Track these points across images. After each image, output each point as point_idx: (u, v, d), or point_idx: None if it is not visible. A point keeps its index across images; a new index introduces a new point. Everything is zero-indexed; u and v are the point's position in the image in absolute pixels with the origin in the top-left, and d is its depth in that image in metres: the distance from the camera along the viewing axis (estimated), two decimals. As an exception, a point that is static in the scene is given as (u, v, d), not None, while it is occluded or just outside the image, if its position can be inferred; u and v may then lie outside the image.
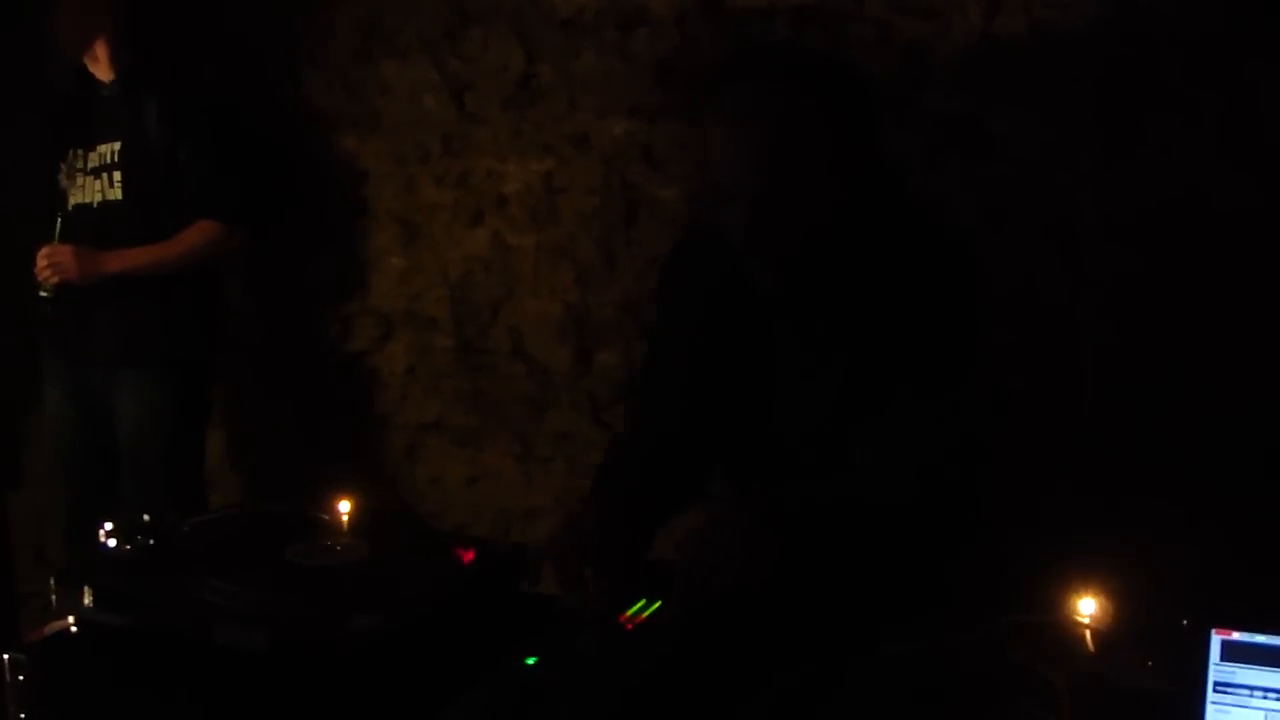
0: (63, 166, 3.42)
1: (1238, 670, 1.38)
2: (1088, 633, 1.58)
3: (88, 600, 1.70)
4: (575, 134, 3.43)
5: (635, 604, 1.69)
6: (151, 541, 1.81)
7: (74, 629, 1.71)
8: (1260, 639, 1.37)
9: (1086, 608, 1.60)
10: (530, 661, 1.54)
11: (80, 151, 3.41)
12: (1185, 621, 1.41)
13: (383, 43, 3.63)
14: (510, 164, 3.53)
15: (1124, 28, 2.82)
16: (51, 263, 3.32)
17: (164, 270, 3.38)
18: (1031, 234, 2.95)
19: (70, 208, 3.41)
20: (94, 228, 3.38)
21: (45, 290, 3.35)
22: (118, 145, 3.37)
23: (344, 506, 1.90)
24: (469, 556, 1.82)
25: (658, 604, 1.69)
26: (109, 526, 1.81)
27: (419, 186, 3.67)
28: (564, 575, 1.80)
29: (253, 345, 3.92)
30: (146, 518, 1.84)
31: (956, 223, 2.59)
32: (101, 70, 3.40)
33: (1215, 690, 1.38)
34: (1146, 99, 2.83)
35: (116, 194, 3.37)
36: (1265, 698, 1.36)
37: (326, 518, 1.91)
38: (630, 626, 1.64)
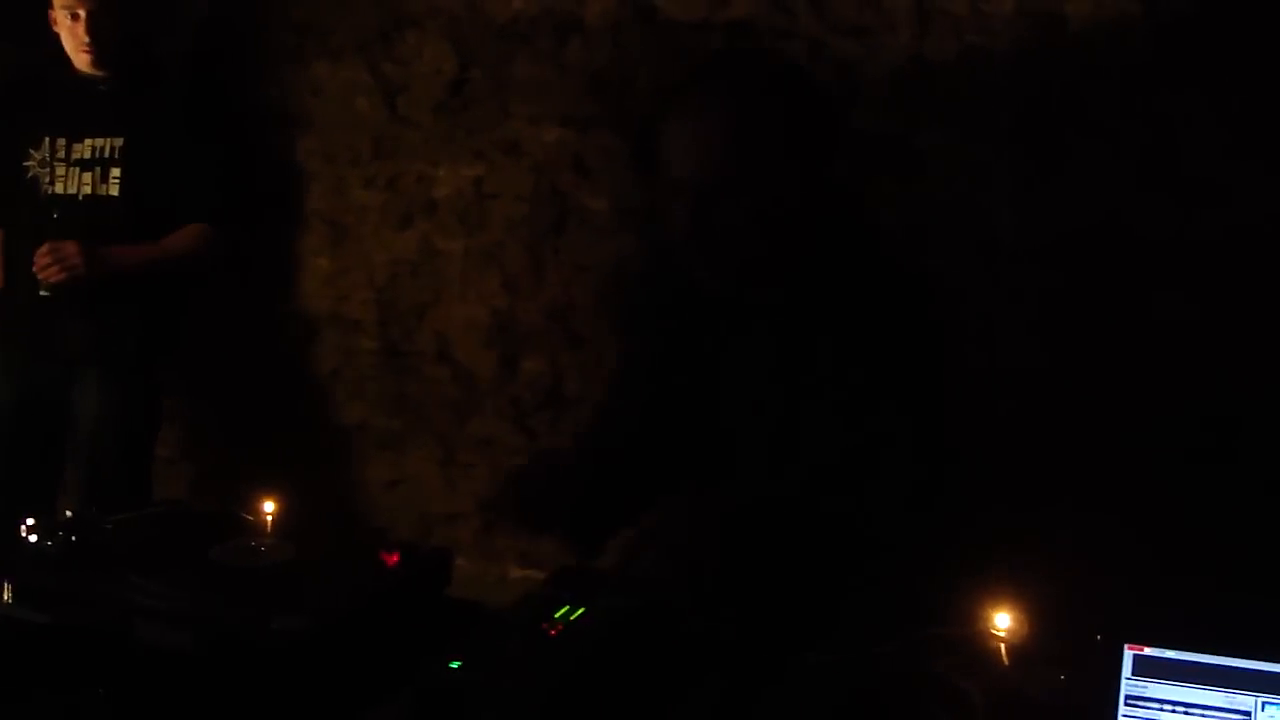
0: (34, 154, 3.31)
1: (1150, 685, 1.41)
2: (1003, 646, 1.61)
3: (7, 596, 1.68)
4: (507, 141, 3.44)
5: (560, 609, 1.69)
6: (73, 538, 1.80)
7: (-8, 625, 1.70)
8: (1172, 654, 1.41)
9: (1002, 622, 1.63)
10: (454, 665, 1.54)
11: (64, 141, 3.30)
12: (1099, 636, 1.44)
13: (316, 43, 3.62)
14: (441, 168, 3.53)
15: (1051, 55, 2.88)
16: (57, 259, 3.14)
17: (156, 271, 3.30)
18: (955, 253, 2.99)
19: (45, 197, 3.30)
20: (80, 221, 3.27)
21: (45, 289, 3.18)
22: (120, 141, 3.27)
23: (268, 507, 1.90)
24: (393, 559, 1.83)
25: (581, 610, 1.70)
26: (30, 522, 1.80)
27: (348, 188, 3.66)
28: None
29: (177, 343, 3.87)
30: (69, 514, 1.83)
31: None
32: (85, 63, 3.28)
33: (1126, 704, 1.41)
34: (1070, 125, 2.89)
35: (111, 190, 3.27)
36: (1174, 712, 1.40)
37: (251, 518, 1.91)
38: (553, 632, 1.65)
